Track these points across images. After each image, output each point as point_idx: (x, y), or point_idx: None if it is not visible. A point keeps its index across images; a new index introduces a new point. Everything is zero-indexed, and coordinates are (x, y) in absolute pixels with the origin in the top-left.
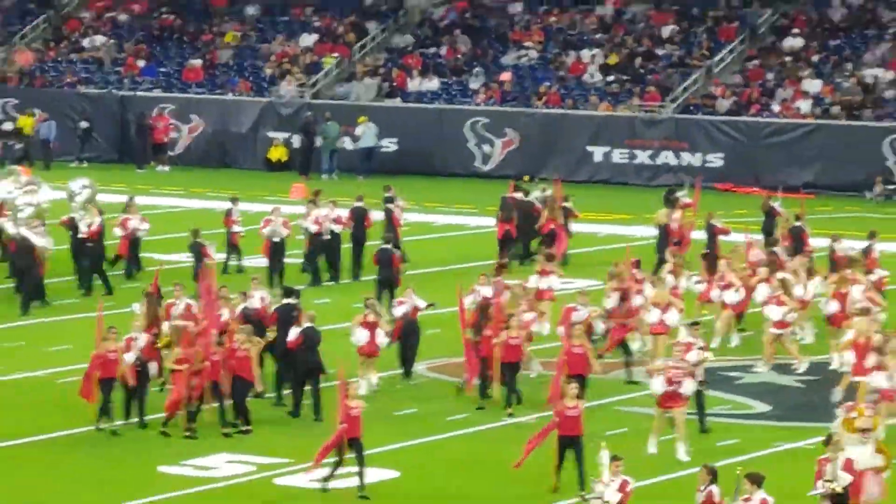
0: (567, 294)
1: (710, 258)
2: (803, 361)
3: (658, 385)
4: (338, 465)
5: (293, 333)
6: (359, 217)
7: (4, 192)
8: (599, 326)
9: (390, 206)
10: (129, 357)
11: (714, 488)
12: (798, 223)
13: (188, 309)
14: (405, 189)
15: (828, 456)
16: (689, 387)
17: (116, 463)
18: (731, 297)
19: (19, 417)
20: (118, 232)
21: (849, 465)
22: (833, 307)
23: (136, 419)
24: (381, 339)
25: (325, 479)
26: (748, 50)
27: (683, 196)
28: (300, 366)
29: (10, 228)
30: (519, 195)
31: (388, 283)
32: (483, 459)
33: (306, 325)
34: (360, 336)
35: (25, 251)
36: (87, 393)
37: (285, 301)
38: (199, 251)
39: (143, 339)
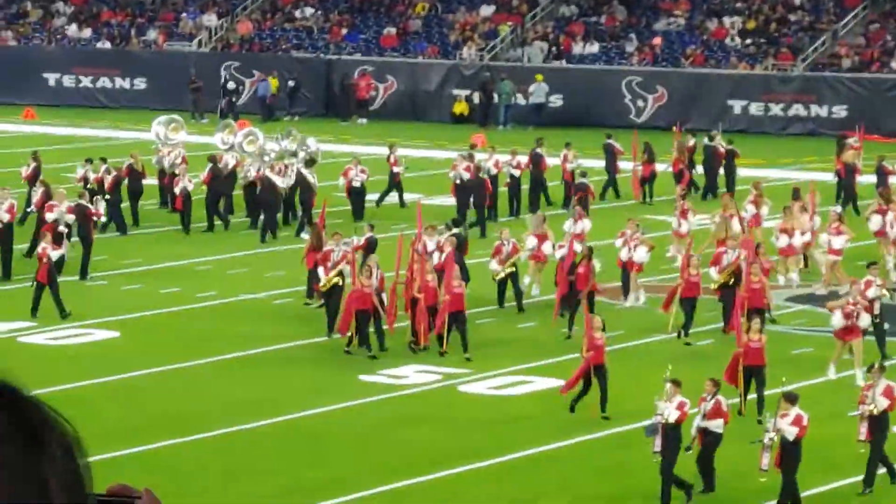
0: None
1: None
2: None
3: (837, 319)
4: (583, 394)
5: (436, 257)
6: (536, 160)
7: (220, 142)
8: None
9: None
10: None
11: (721, 398)
12: None
13: (344, 256)
14: (571, 139)
15: (870, 382)
16: (865, 320)
17: (324, 372)
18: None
19: (242, 334)
20: (341, 181)
21: (888, 392)
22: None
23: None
24: (548, 248)
25: (572, 404)
26: (870, 15)
27: (854, 141)
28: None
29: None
30: (708, 142)
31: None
32: (638, 374)
33: (448, 250)
34: (531, 243)
35: (269, 191)
36: (344, 327)
37: (454, 231)
38: (483, 187)
39: (377, 273)
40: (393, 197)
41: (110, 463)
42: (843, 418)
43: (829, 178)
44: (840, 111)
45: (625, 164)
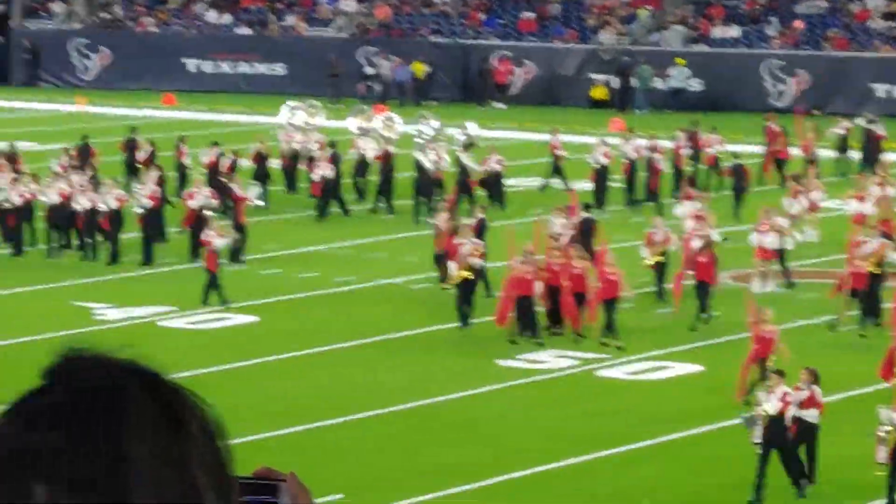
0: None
1: None
2: None
3: None
4: (757, 383)
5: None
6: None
7: (353, 126)
8: (892, 256)
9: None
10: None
11: (816, 388)
12: None
13: (474, 250)
14: (710, 123)
15: None
16: None
17: (461, 357)
18: None
19: (380, 319)
20: (479, 168)
21: None
22: None
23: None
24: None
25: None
26: None
27: None
28: None
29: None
30: (866, 124)
31: (741, 191)
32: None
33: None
34: (690, 224)
35: (420, 174)
36: (501, 318)
37: (584, 215)
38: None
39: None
40: (532, 182)
41: (247, 447)
42: None
43: None
44: None
45: (755, 149)
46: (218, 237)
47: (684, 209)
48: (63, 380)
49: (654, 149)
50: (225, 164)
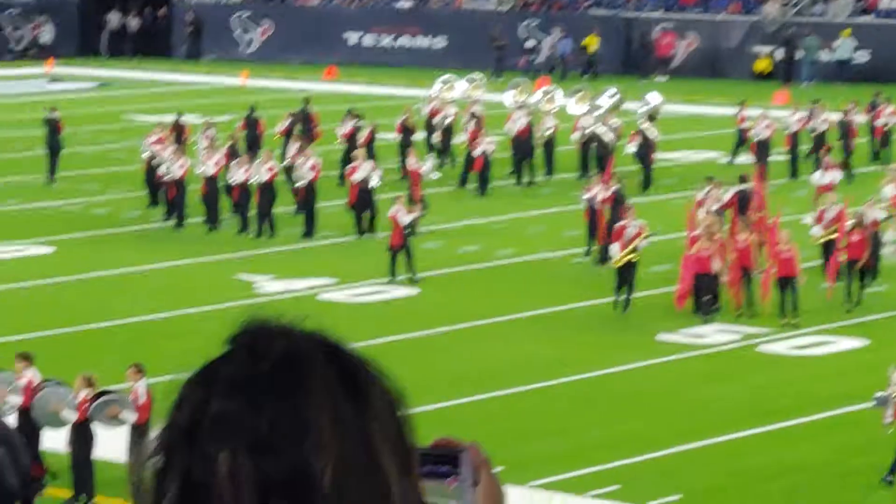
0: None
1: None
2: None
3: None
4: None
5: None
6: (874, 112)
7: (510, 99)
8: None
9: None
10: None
11: None
12: None
13: (639, 231)
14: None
15: None
16: None
17: (621, 331)
18: None
19: (539, 293)
20: (630, 148)
21: None
22: None
23: None
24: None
25: None
26: None
27: None
28: None
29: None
30: None
31: None
32: None
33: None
34: (890, 191)
35: (600, 146)
36: (682, 298)
37: (741, 188)
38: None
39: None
40: (695, 155)
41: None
42: None
43: None
44: None
45: None
46: (405, 213)
47: (822, 178)
48: (246, 348)
49: (849, 119)
50: (362, 136)
